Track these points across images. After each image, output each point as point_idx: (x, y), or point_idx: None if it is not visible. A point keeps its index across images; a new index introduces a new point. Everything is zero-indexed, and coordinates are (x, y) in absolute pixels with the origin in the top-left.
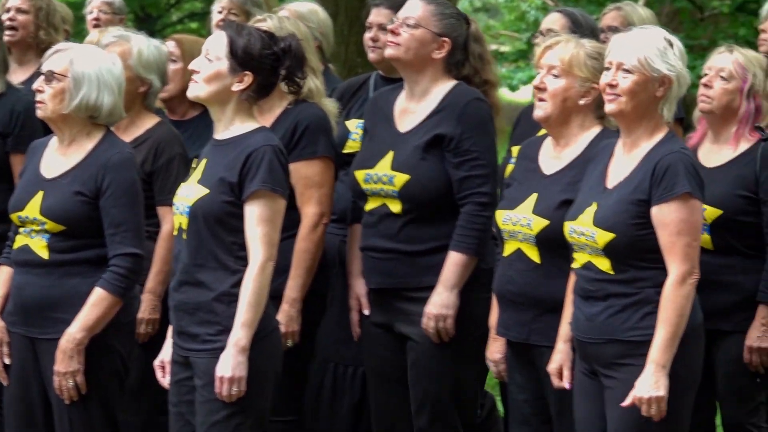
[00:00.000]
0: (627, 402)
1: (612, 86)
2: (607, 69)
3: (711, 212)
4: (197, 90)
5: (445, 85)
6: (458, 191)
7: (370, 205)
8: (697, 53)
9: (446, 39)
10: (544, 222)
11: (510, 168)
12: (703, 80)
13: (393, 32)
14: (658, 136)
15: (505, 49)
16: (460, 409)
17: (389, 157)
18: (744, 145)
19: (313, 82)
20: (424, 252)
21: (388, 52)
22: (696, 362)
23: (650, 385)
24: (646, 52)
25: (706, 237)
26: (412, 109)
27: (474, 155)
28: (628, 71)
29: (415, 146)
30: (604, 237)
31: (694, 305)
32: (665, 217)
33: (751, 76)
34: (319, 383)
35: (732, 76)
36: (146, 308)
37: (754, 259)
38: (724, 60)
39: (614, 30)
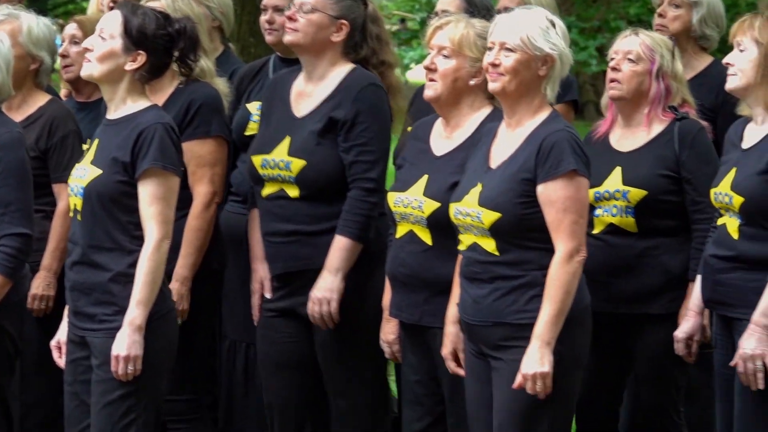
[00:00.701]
0: (516, 383)
1: (495, 65)
2: (490, 49)
3: (636, 193)
4: (90, 69)
5: (343, 69)
6: (347, 175)
7: (268, 190)
8: (589, 34)
9: (344, 21)
10: (435, 204)
11: (403, 148)
12: (611, 64)
13: (290, 18)
14: (542, 116)
15: (397, 28)
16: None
17: (286, 142)
18: (658, 126)
19: (205, 63)
20: (324, 231)
21: (287, 38)
22: (582, 345)
23: (535, 361)
24: (529, 31)
25: (630, 220)
26: (309, 93)
27: (364, 140)
28: (510, 50)
29: (310, 131)
30: (490, 216)
31: (581, 287)
32: (551, 194)
33: (658, 57)
34: (231, 365)
35: (640, 58)
36: (40, 284)
37: (675, 239)
38: (631, 42)
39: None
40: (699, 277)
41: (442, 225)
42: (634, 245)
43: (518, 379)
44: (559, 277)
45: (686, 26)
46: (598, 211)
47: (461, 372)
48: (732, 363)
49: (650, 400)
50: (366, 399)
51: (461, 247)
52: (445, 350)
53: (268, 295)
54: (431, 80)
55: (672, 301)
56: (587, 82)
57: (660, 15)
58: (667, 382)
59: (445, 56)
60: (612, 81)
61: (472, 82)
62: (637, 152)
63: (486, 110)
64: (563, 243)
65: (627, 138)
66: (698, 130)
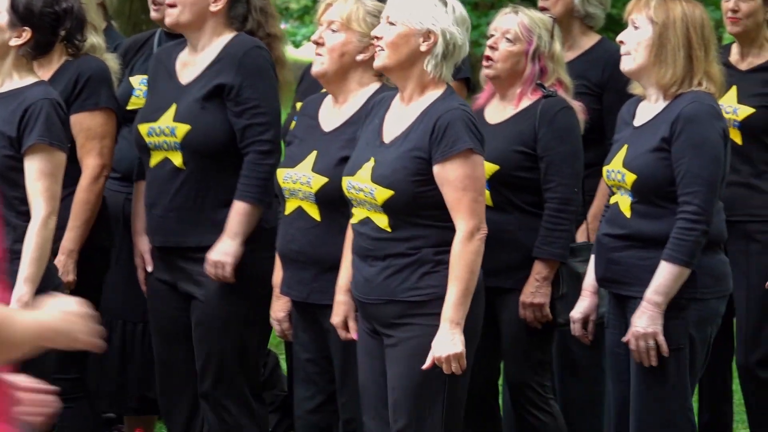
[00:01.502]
0: (427, 364)
1: (378, 38)
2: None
3: (488, 167)
4: None
5: (226, 37)
6: (241, 140)
7: (154, 160)
8: (482, 12)
9: None
10: (324, 179)
11: (294, 125)
12: (489, 42)
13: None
14: (435, 93)
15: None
16: (245, 370)
17: (172, 109)
18: (525, 103)
19: (95, 39)
20: (206, 208)
21: (168, 21)
22: (477, 318)
23: (447, 342)
24: (413, 6)
25: (486, 193)
26: (193, 62)
27: (254, 103)
28: (392, 23)
29: (195, 97)
30: (383, 194)
31: None
32: (448, 174)
33: (536, 38)
34: (107, 341)
35: (517, 38)
36: None
37: (531, 215)
38: (510, 21)
39: None
40: (593, 257)
41: (330, 201)
42: (489, 219)
43: (429, 361)
44: (463, 256)
45: (568, 7)
46: None
47: (353, 336)
48: (624, 339)
49: (514, 375)
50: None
51: (353, 221)
52: (336, 319)
53: (149, 268)
54: (319, 55)
55: (526, 277)
56: (478, 62)
57: None
58: (525, 356)
59: (334, 30)
60: (488, 59)
61: (359, 58)
62: (500, 126)
63: (374, 86)
64: (464, 222)
65: (498, 111)
66: (561, 108)
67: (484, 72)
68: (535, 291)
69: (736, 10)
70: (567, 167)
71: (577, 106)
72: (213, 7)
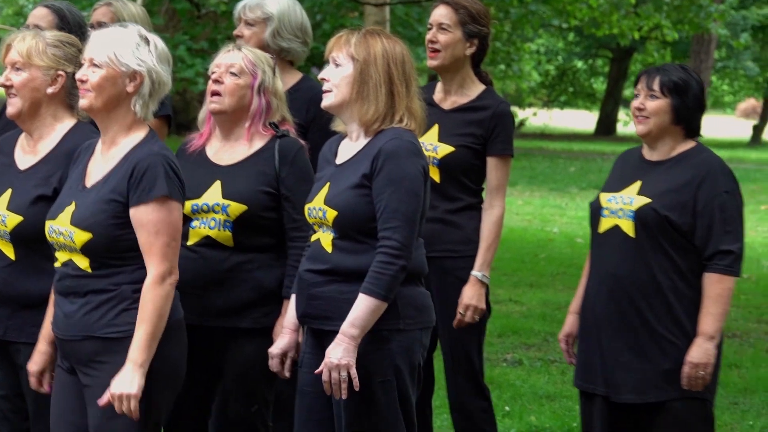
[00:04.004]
0: (103, 401)
1: (83, 82)
2: (83, 65)
3: (236, 208)
4: None
5: None
6: None
7: None
8: (197, 53)
9: None
10: (18, 218)
11: None
12: (213, 76)
13: None
14: (138, 135)
15: None
16: None
17: None
18: (259, 142)
19: None
20: None
21: None
22: (177, 358)
23: (125, 382)
24: (116, 47)
25: (227, 234)
26: None
27: None
28: (97, 66)
29: None
30: (82, 236)
31: (175, 302)
32: (143, 217)
33: (260, 72)
34: None
35: (243, 72)
36: None
37: (271, 254)
38: (234, 57)
39: (103, 26)
40: (293, 295)
41: (25, 239)
42: (228, 259)
43: (105, 397)
44: (152, 299)
45: (262, 44)
46: (195, 223)
47: (44, 390)
48: (317, 371)
49: (238, 413)
50: None
51: (57, 264)
52: (34, 367)
53: None
54: (12, 95)
55: (264, 316)
56: (195, 99)
57: (238, 36)
58: (254, 395)
59: (18, 69)
60: (213, 94)
61: (50, 91)
62: (238, 166)
63: (69, 122)
64: (155, 266)
65: (227, 152)
66: (299, 148)
67: (210, 108)
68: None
69: (435, 41)
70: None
71: (305, 144)
72: None
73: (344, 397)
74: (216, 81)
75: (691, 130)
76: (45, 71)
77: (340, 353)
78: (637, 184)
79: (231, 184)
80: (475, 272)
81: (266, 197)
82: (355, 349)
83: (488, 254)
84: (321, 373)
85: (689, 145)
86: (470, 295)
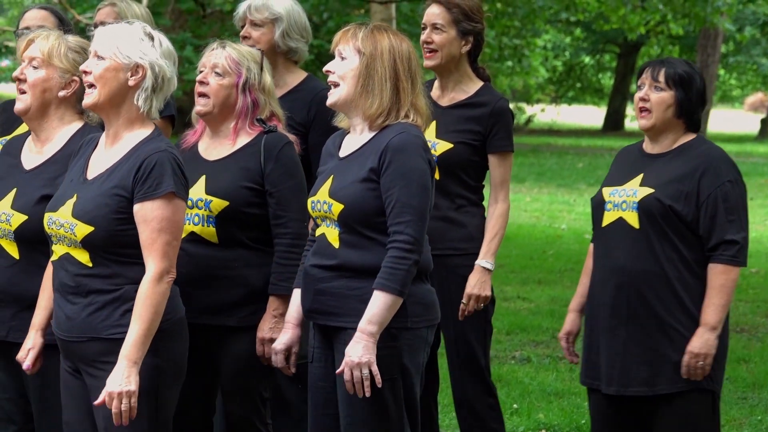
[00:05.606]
0: (99, 400)
1: (86, 73)
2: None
3: (218, 203)
4: None
5: None
6: None
7: None
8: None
9: None
10: (23, 217)
11: None
12: (199, 77)
13: None
14: (143, 132)
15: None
16: None
17: None
18: (245, 138)
19: None
20: None
21: None
22: (181, 355)
23: (122, 379)
24: (120, 40)
25: (211, 230)
26: None
27: None
28: (100, 58)
29: None
30: (83, 229)
31: (175, 299)
32: (147, 214)
33: (245, 69)
34: None
35: (226, 71)
36: None
37: (258, 251)
38: (217, 56)
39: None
40: (297, 290)
41: (29, 239)
42: (214, 256)
43: (102, 397)
44: (149, 296)
45: (271, 44)
46: None
47: (25, 367)
48: (338, 371)
49: (236, 412)
50: None
51: (54, 258)
52: (22, 353)
53: None
54: (22, 92)
55: (253, 314)
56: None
57: (245, 37)
58: (250, 394)
59: (35, 67)
60: (200, 96)
61: (61, 94)
62: (222, 162)
63: (77, 124)
64: (155, 263)
65: (215, 148)
66: (284, 144)
67: (196, 110)
68: (273, 327)
69: (430, 41)
70: (296, 202)
71: (293, 139)
72: None
73: (368, 395)
74: (201, 82)
75: (692, 123)
76: (61, 74)
77: (360, 351)
78: (639, 177)
79: (214, 179)
80: (479, 261)
81: (249, 193)
82: (374, 346)
83: (492, 244)
84: (342, 372)
85: (690, 137)
86: (473, 284)
